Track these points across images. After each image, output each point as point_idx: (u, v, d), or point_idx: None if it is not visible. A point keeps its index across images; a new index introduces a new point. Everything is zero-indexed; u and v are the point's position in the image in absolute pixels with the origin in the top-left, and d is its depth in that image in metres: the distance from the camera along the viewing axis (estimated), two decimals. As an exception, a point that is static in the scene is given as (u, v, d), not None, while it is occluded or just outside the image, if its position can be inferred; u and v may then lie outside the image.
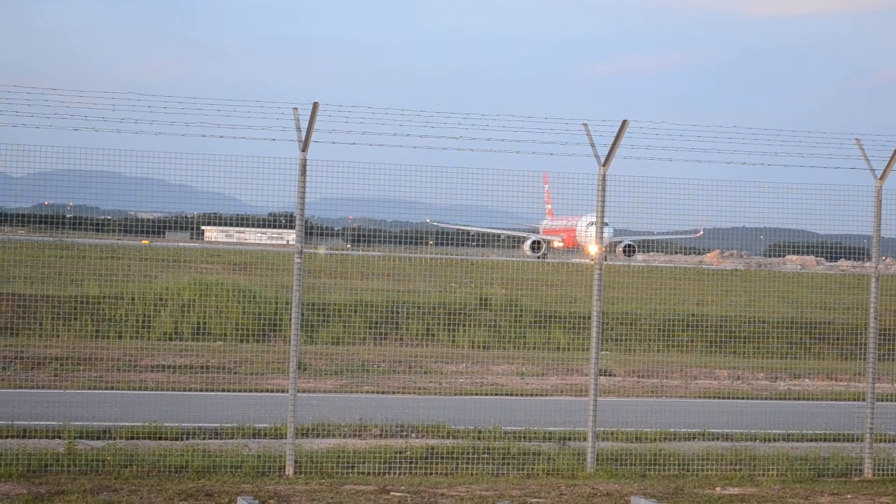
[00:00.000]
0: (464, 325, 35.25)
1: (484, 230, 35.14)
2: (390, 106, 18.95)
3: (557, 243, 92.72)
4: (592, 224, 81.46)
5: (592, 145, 19.50)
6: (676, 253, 54.02)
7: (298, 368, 18.92)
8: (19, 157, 19.06)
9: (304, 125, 18.70)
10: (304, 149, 18.76)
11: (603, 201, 19.76)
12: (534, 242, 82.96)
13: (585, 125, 19.45)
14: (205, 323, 33.83)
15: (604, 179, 19.69)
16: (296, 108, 18.81)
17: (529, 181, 20.94)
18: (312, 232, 29.54)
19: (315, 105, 18.53)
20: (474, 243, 37.12)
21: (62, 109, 18.07)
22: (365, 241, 26.93)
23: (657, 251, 59.37)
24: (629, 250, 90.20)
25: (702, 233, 30.99)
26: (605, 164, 19.57)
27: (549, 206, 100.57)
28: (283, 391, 25.79)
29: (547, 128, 19.10)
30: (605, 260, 20.21)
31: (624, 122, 19.34)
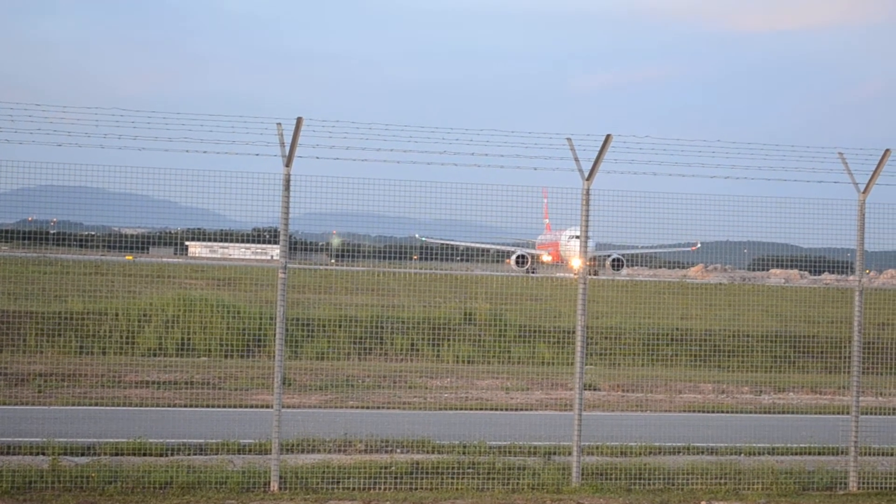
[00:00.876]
0: (448, 340, 35.24)
1: (476, 245, 35.20)
2: (382, 120, 18.97)
3: (546, 258, 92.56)
4: (573, 237, 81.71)
5: (576, 160, 19.51)
6: (661, 267, 54.07)
7: (283, 384, 18.89)
8: (2, 172, 19.00)
9: (288, 140, 18.68)
10: (288, 164, 18.74)
11: (587, 215, 19.77)
12: (519, 257, 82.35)
13: (569, 140, 19.47)
14: (189, 339, 33.77)
15: (587, 194, 19.70)
16: (279, 124, 18.79)
17: (518, 196, 20.92)
18: (296, 247, 29.55)
19: (299, 120, 18.52)
20: (459, 258, 37.11)
21: (46, 125, 18.05)
22: (349, 256, 26.93)
23: (643, 265, 59.46)
24: (617, 264, 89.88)
25: (699, 245, 31.01)
26: (589, 178, 19.59)
27: (548, 221, 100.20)
28: (267, 406, 25.70)
29: (531, 142, 19.11)
30: (596, 274, 20.19)
31: (607, 137, 19.37)
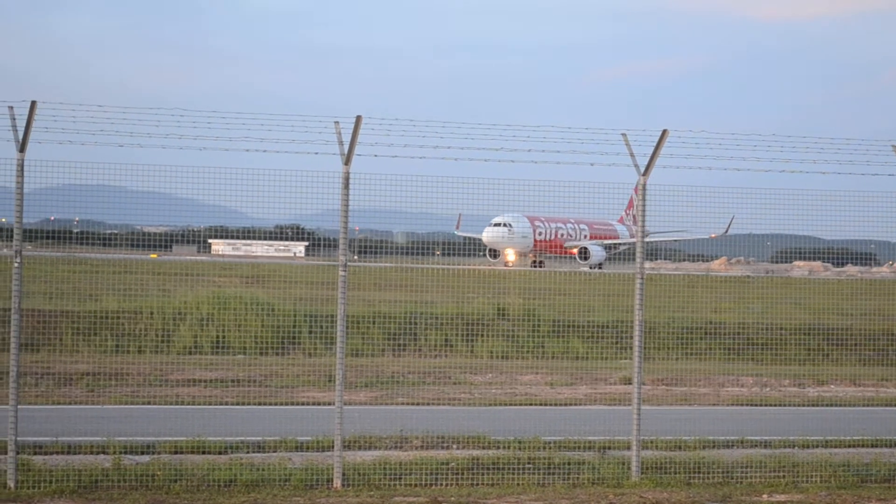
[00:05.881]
0: (482, 336, 35.32)
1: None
2: (404, 114, 18.96)
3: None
4: (497, 225, 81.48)
5: (632, 155, 19.57)
6: (683, 260, 54.09)
7: (332, 381, 18.95)
8: (24, 172, 18.91)
9: (346, 139, 18.72)
10: (347, 162, 18.78)
11: (643, 210, 19.84)
12: (491, 250, 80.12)
13: (624, 135, 19.52)
14: (224, 336, 33.87)
15: (644, 188, 19.78)
16: (337, 122, 18.83)
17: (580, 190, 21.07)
18: (320, 244, 29.64)
19: (358, 119, 18.56)
20: (481, 254, 37.14)
21: (108, 126, 18.13)
22: (372, 251, 26.99)
23: (665, 257, 59.41)
24: (585, 254, 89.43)
25: (726, 232, 30.96)
26: (646, 173, 19.66)
27: (622, 215, 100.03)
28: (316, 404, 25.86)
29: (587, 138, 19.17)
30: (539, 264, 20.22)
31: (664, 132, 19.42)
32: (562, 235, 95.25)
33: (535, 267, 74.16)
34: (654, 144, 19.53)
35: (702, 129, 19.51)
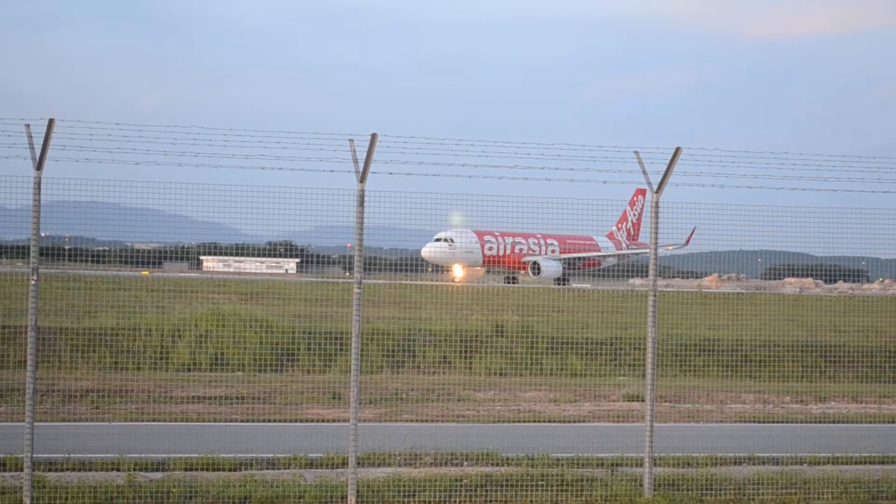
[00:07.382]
0: (479, 353, 35.33)
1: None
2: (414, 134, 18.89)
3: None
4: (438, 241, 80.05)
5: (644, 172, 19.65)
6: (674, 277, 54.19)
7: (353, 398, 18.91)
8: (15, 189, 18.91)
9: (361, 157, 18.76)
10: (362, 180, 18.80)
11: (656, 228, 19.88)
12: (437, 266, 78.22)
13: (637, 153, 19.61)
14: (222, 353, 33.81)
15: (657, 206, 19.83)
16: (352, 140, 18.86)
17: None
18: (309, 260, 29.67)
19: (373, 136, 18.59)
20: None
21: (124, 144, 18.15)
22: (365, 268, 26.98)
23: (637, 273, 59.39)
24: (536, 269, 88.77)
25: (672, 247, 31.07)
26: (658, 190, 19.74)
27: (613, 229, 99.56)
28: (322, 420, 25.87)
29: (601, 155, 19.26)
30: (515, 280, 20.32)
31: (677, 150, 19.51)
32: (521, 250, 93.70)
33: (508, 283, 73.66)
34: (667, 162, 19.61)
35: (715, 147, 19.63)
